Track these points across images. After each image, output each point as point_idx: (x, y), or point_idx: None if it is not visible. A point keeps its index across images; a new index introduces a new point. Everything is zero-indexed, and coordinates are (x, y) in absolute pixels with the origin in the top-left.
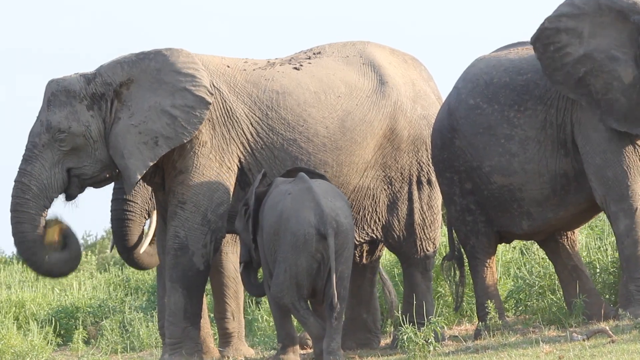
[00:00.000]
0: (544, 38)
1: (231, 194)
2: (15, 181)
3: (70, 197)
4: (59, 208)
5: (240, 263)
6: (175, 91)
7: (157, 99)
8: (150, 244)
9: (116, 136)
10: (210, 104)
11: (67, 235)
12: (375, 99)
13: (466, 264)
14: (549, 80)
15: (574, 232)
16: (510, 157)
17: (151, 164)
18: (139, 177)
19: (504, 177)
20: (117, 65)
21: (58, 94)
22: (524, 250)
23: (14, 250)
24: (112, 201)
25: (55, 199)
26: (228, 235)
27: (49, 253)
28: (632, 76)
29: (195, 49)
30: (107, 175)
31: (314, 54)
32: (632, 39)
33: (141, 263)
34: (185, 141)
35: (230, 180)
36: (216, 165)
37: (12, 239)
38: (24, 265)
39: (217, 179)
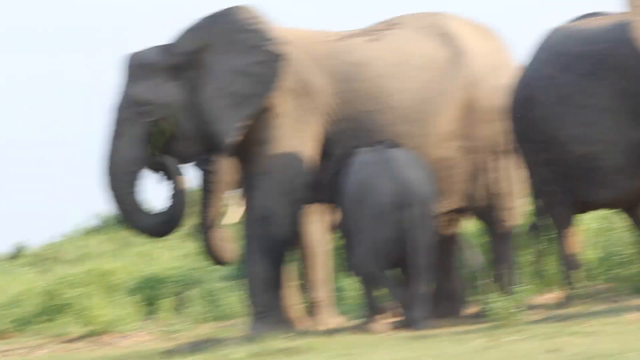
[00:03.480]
0: None
1: (312, 164)
2: (103, 160)
3: (163, 175)
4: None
5: (337, 230)
6: (247, 49)
7: (233, 60)
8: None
9: (203, 103)
10: (281, 54)
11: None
12: (452, 69)
13: (550, 233)
14: None
15: None
16: (587, 126)
17: (241, 124)
18: (232, 140)
19: (581, 147)
20: (191, 33)
21: (139, 68)
22: (611, 219)
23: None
24: (196, 172)
25: (141, 172)
26: (312, 205)
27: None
28: None
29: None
30: (197, 147)
31: (392, 25)
32: None
33: (218, 256)
34: (266, 96)
35: (310, 151)
36: (296, 135)
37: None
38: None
39: (297, 149)
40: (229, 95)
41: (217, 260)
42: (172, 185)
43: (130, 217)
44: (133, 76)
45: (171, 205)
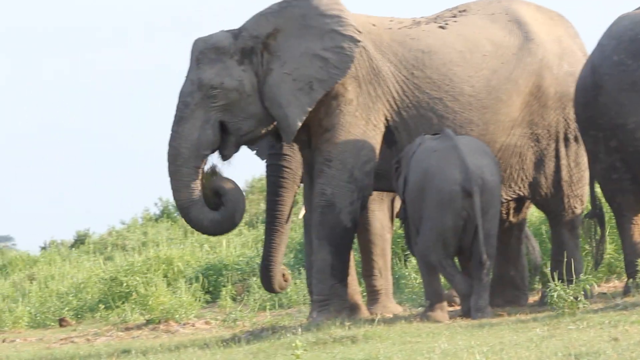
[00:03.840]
0: None
1: (377, 151)
2: (168, 144)
3: (225, 157)
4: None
5: (399, 218)
6: (324, 34)
7: (307, 44)
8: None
9: (271, 87)
10: (359, 41)
11: (222, 194)
12: (521, 56)
13: (608, 222)
14: None
15: None
16: None
17: (309, 109)
18: (299, 124)
19: None
20: (262, 18)
21: (207, 52)
22: None
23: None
24: (267, 166)
25: (208, 156)
26: (375, 193)
27: (205, 212)
28: None
29: None
30: (262, 132)
31: (460, 12)
32: None
33: (274, 285)
34: (338, 81)
35: (376, 138)
36: (362, 123)
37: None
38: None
39: (363, 136)
40: (300, 79)
41: (269, 287)
42: (225, 187)
43: (189, 210)
44: (201, 60)
45: (230, 204)
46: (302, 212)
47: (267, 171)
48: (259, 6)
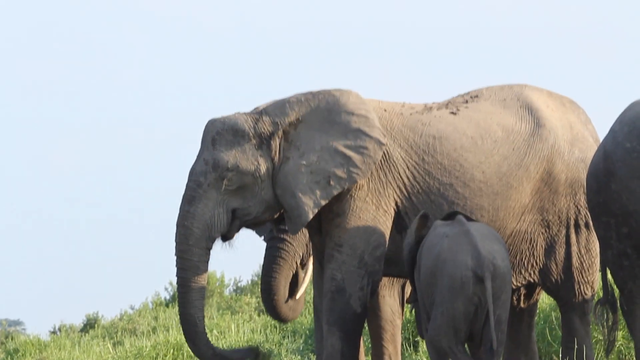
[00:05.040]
0: None
1: (387, 237)
2: (177, 225)
3: (226, 238)
4: (216, 250)
5: (409, 303)
6: (349, 132)
7: (329, 139)
8: (293, 298)
9: (286, 176)
10: (384, 145)
11: None
12: (532, 142)
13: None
14: None
15: None
16: None
17: (324, 203)
18: (311, 216)
19: None
20: (285, 105)
21: (224, 133)
22: None
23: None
24: (268, 240)
25: (217, 238)
26: (385, 278)
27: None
28: None
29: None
30: (268, 217)
31: (472, 97)
32: None
33: (279, 313)
34: (358, 181)
35: (386, 224)
36: (373, 208)
37: (175, 281)
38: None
39: (373, 222)
40: (317, 173)
41: (279, 316)
42: None
43: (189, 290)
44: (217, 141)
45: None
46: (299, 293)
47: (267, 245)
48: None
